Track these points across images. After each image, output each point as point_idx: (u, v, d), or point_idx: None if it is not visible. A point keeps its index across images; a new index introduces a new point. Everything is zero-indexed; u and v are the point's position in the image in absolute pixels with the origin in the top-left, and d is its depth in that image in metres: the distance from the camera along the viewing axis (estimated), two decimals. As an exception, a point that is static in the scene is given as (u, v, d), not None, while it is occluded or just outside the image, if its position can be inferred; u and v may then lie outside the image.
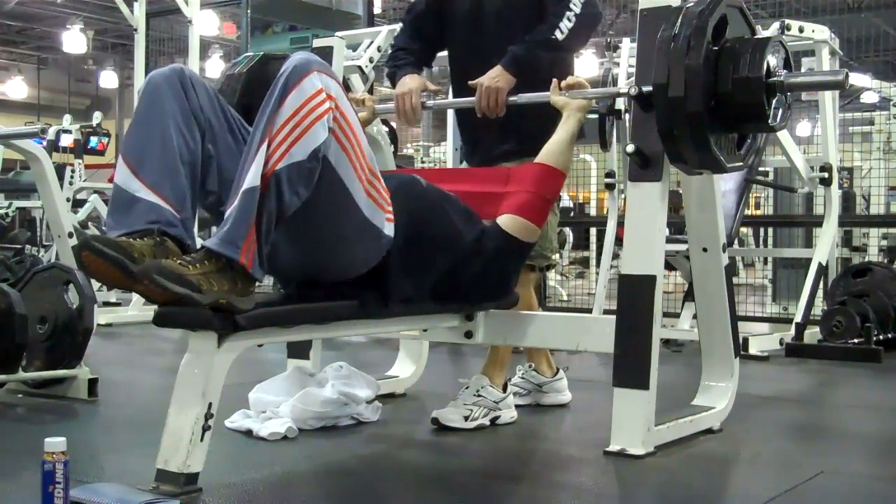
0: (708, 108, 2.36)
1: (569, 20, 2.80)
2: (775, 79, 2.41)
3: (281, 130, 2.02)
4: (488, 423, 2.91)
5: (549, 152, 2.68)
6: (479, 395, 2.92)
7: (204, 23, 9.06)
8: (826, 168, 5.17)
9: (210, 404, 2.09)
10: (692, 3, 2.43)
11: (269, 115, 2.03)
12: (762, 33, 4.66)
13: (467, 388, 2.96)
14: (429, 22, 3.11)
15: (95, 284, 3.49)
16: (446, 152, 4.93)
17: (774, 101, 2.43)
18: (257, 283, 2.12)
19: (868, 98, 9.32)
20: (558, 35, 2.81)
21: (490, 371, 3.02)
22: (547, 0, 2.86)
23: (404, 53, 3.09)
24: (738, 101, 2.38)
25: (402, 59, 3.07)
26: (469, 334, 2.84)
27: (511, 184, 2.70)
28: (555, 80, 2.73)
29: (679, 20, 2.39)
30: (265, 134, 2.02)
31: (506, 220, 2.60)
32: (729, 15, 2.44)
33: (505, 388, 3.01)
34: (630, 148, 2.57)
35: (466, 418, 2.86)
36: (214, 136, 2.24)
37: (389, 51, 3.27)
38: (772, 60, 2.41)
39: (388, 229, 2.30)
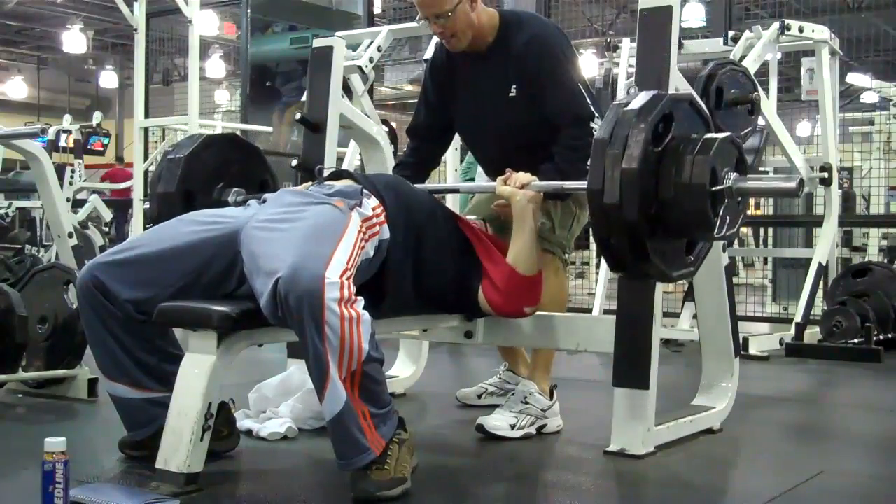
0: (648, 215, 2.12)
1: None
2: (722, 186, 2.14)
3: (341, 363, 2.04)
4: (535, 432, 2.80)
5: (515, 261, 2.59)
6: (527, 403, 2.81)
7: (204, 23, 9.04)
8: (826, 168, 5.17)
9: (210, 404, 2.10)
10: (634, 98, 2.21)
11: (319, 354, 2.02)
12: (762, 35, 4.72)
13: (514, 394, 2.88)
14: (435, 123, 3.10)
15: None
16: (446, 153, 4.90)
17: (722, 209, 2.16)
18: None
19: (868, 98, 9.33)
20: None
21: (536, 375, 2.92)
22: (566, 125, 2.77)
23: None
24: (682, 209, 2.14)
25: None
26: (469, 334, 2.84)
27: (488, 261, 2.62)
28: (508, 171, 2.64)
29: (615, 119, 2.16)
30: (325, 368, 2.02)
31: (482, 299, 2.60)
32: (676, 110, 2.19)
33: (552, 394, 2.90)
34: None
35: (513, 427, 2.76)
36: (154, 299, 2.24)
37: (389, 51, 3.23)
38: (721, 164, 2.15)
39: (385, 231, 2.33)
